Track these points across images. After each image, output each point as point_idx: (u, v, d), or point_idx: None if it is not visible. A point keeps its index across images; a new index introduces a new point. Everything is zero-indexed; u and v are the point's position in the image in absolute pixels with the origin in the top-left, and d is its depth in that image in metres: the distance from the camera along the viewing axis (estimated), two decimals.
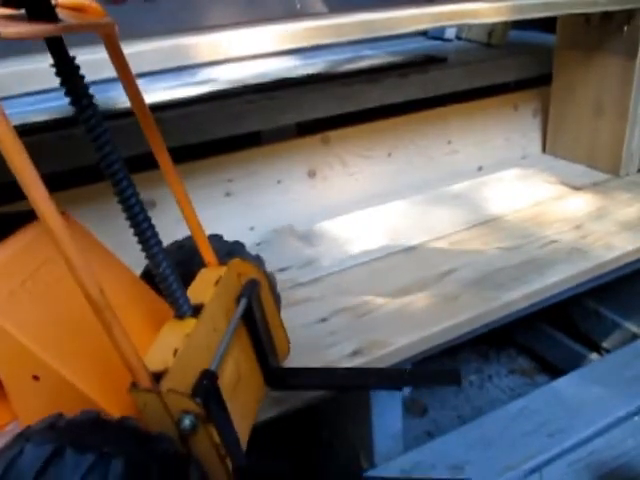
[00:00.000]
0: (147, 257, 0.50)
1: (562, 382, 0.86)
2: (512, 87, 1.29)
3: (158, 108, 0.92)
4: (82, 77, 0.44)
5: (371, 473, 0.75)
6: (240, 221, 1.00)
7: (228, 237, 0.68)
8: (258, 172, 1.03)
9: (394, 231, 1.01)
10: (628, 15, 1.06)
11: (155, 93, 1.00)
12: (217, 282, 0.58)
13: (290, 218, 1.06)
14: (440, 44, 1.45)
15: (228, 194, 0.99)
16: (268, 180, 1.05)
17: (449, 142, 1.23)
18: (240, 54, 0.72)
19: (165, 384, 0.44)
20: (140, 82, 0.51)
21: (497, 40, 1.37)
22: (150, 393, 0.43)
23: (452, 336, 0.78)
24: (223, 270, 0.59)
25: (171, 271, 0.51)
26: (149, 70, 0.59)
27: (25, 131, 0.80)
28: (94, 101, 0.45)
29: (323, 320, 0.78)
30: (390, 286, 0.85)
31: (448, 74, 1.19)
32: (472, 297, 0.81)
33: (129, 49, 0.49)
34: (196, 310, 0.53)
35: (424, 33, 1.50)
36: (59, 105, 1.02)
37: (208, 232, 0.60)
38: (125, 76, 0.50)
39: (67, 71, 0.43)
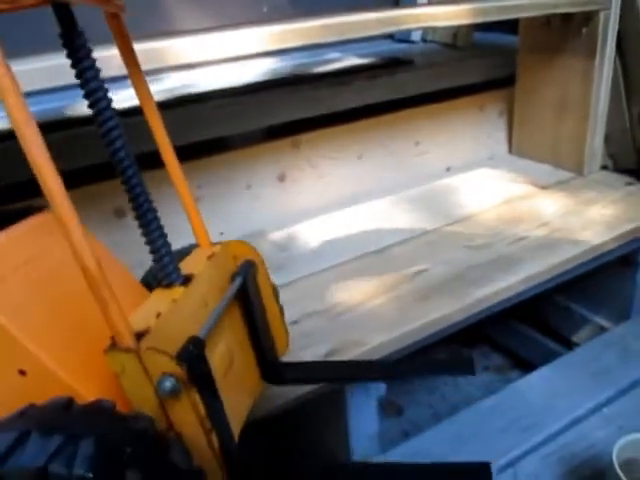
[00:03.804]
0: (136, 217, 0.49)
1: (533, 377, 0.87)
2: (478, 88, 1.31)
3: (124, 114, 0.90)
4: (94, 61, 0.43)
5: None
6: (210, 227, 0.98)
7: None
8: (227, 177, 1.02)
9: (365, 233, 1.02)
10: (586, 17, 1.09)
11: (122, 98, 0.98)
12: (210, 257, 0.56)
13: (260, 222, 1.05)
14: (407, 46, 1.46)
15: (197, 199, 0.98)
16: (238, 185, 1.04)
17: (417, 143, 1.24)
18: (208, 58, 0.72)
19: (145, 343, 0.41)
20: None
21: (462, 42, 1.39)
22: (128, 353, 0.40)
23: (425, 334, 0.78)
24: (217, 248, 0.59)
25: (164, 241, 0.50)
26: (115, 75, 0.58)
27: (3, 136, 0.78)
28: (103, 84, 0.44)
29: (295, 322, 0.78)
30: (362, 287, 0.85)
31: (415, 76, 1.21)
32: (443, 296, 0.82)
33: (94, 54, 0.48)
34: (186, 280, 0.51)
35: (391, 36, 1.52)
36: (38, 110, 1.00)
37: (178, 240, 0.59)
38: (130, 61, 0.49)
39: (74, 43, 0.42)
